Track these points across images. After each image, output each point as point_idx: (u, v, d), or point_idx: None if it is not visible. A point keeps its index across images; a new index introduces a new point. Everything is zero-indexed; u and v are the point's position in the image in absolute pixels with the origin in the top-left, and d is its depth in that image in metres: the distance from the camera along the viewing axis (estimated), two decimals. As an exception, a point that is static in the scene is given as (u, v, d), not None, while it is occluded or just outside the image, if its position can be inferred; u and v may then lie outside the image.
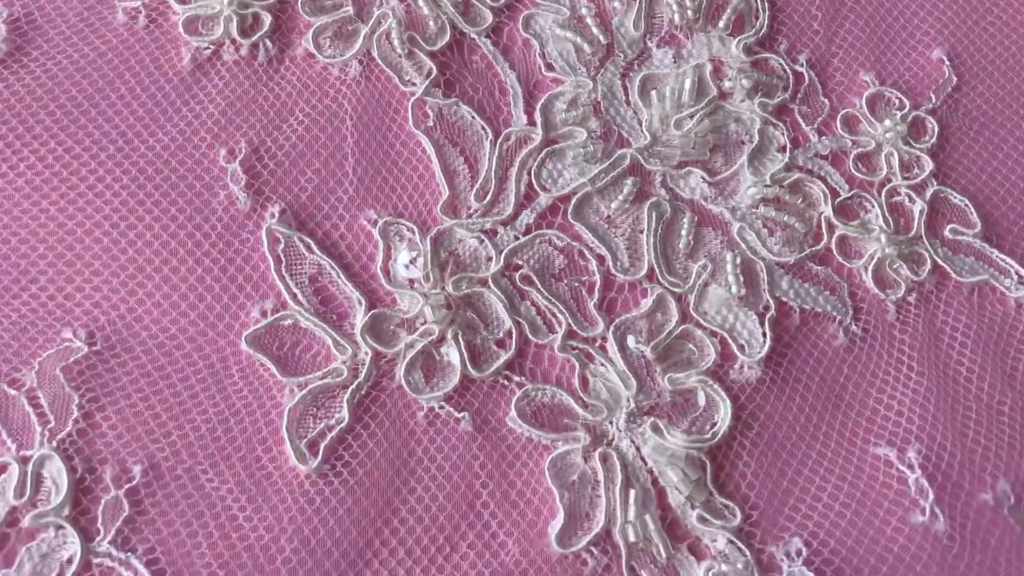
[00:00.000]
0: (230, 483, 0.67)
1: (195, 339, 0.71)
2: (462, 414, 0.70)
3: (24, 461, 0.65)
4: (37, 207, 0.74)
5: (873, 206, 0.81)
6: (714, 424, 0.71)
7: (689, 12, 0.86)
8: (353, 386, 0.69)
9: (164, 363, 0.70)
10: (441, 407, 0.70)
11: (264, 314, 0.72)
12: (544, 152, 0.80)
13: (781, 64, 0.86)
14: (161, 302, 0.72)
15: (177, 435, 0.68)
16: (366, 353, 0.70)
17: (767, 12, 0.88)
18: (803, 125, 0.84)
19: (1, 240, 0.73)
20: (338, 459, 0.68)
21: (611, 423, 0.71)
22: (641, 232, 0.77)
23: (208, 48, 0.82)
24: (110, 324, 0.71)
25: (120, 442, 0.68)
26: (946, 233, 0.82)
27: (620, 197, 0.78)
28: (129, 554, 0.64)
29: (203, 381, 0.70)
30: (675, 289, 0.76)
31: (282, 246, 0.74)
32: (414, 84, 0.82)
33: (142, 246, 0.73)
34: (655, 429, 0.70)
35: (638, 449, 0.70)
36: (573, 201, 0.78)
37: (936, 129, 0.85)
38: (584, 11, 0.86)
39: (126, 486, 0.66)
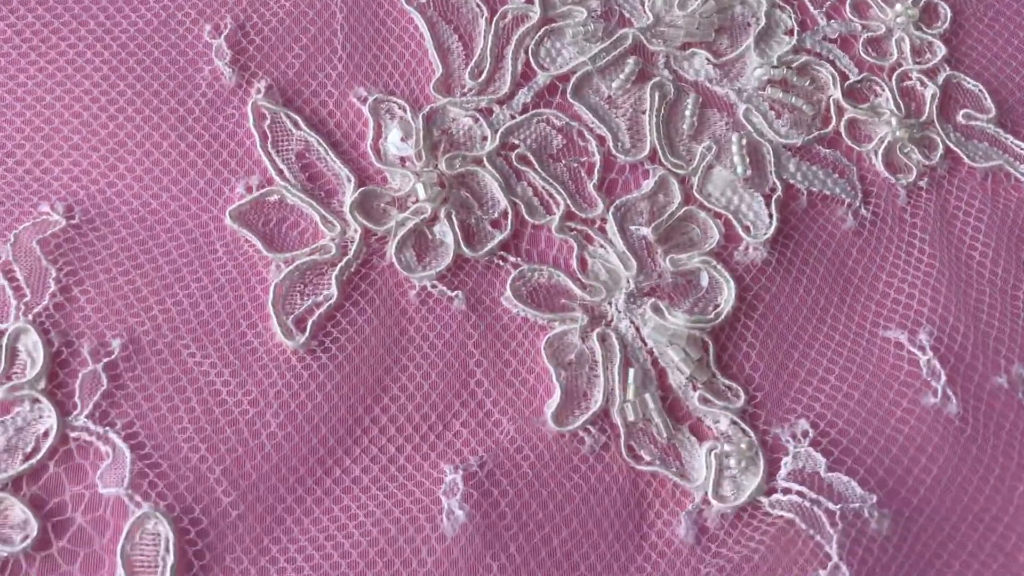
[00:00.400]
0: (213, 358, 0.64)
1: (177, 214, 0.68)
2: (455, 293, 0.67)
3: (-2, 334, 0.61)
4: (14, 80, 0.72)
5: (883, 90, 0.78)
6: (717, 305, 0.68)
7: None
8: (342, 263, 0.67)
9: (145, 238, 0.67)
10: (434, 286, 0.67)
11: (249, 190, 0.69)
12: (542, 30, 0.76)
13: (789, -51, 0.82)
14: (142, 177, 0.69)
15: (158, 310, 0.65)
16: (355, 230, 0.67)
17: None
18: (811, 8, 0.81)
19: (-26, 114, 0.69)
20: (326, 336, 0.66)
21: (610, 304, 0.68)
22: (643, 113, 0.74)
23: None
24: (89, 198, 0.68)
25: (98, 316, 0.65)
26: (959, 118, 0.79)
27: (622, 76, 0.75)
28: (107, 428, 0.61)
29: (185, 256, 0.67)
30: (678, 170, 0.73)
31: (268, 122, 0.71)
32: (406, -38, 0.77)
33: (123, 121, 0.71)
34: (655, 310, 0.67)
35: (637, 330, 0.67)
36: (572, 80, 0.75)
37: (949, 15, 0.82)
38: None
39: (104, 360, 0.63)
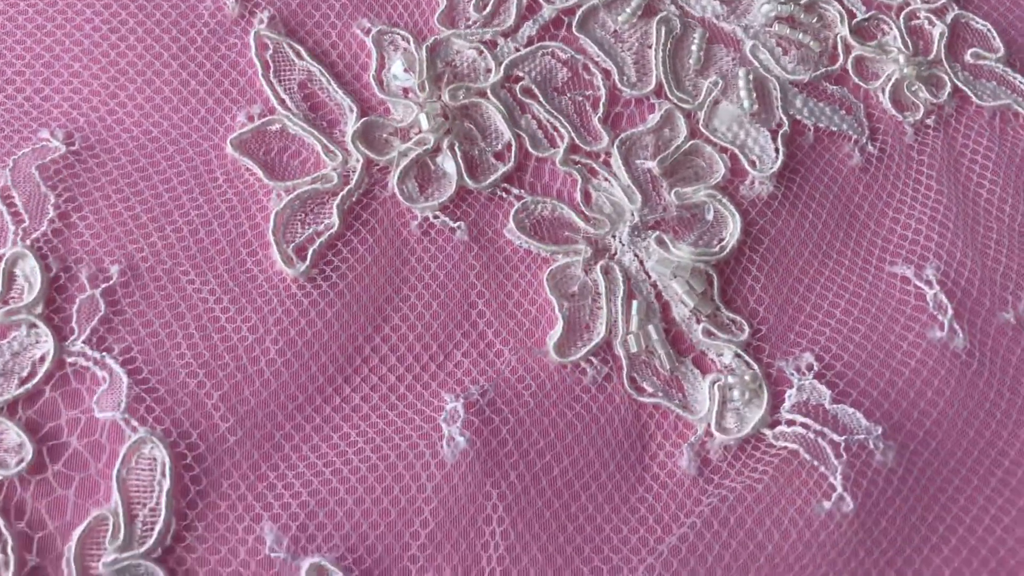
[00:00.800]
0: (212, 284, 0.63)
1: (178, 141, 0.67)
2: (458, 224, 0.66)
3: (-4, 257, 0.60)
4: (15, 8, 0.72)
5: (891, 28, 0.77)
6: (722, 239, 0.67)
7: None
8: (344, 192, 0.66)
9: (145, 164, 0.67)
10: (436, 216, 0.67)
11: (251, 119, 0.69)
12: (548, -36, 0.74)
13: None
14: (143, 104, 0.68)
15: (157, 236, 0.65)
16: (357, 160, 0.67)
17: None
18: (819, -53, 0.79)
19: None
20: (327, 264, 0.65)
21: (614, 237, 0.67)
22: (649, 47, 0.73)
23: None
24: (89, 125, 0.67)
25: (97, 242, 0.64)
26: (967, 57, 0.78)
27: (628, 10, 0.74)
28: (104, 354, 0.60)
29: (185, 184, 0.66)
30: (684, 105, 0.72)
31: (270, 51, 0.70)
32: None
33: (125, 49, 0.70)
34: (660, 242, 0.66)
35: (641, 263, 0.66)
36: (578, 14, 0.74)
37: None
38: None
39: (103, 285, 0.63)
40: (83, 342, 0.61)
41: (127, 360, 0.61)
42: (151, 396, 0.60)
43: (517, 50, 0.73)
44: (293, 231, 0.66)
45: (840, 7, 0.77)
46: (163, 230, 0.65)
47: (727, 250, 0.67)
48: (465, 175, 0.68)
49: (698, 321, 0.65)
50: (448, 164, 0.68)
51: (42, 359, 0.60)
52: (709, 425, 0.63)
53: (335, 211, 0.65)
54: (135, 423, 0.58)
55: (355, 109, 0.69)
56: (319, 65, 0.70)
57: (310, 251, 0.65)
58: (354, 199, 0.67)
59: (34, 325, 0.60)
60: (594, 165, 0.70)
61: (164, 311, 0.62)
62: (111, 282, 0.63)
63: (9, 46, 0.70)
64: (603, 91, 0.72)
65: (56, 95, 0.69)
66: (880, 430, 0.62)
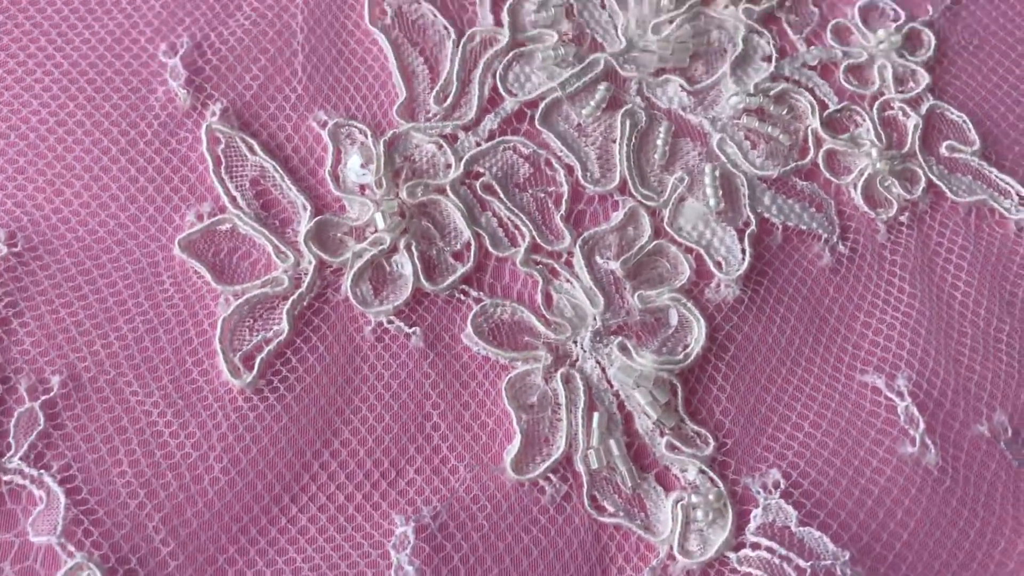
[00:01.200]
0: (156, 396, 0.61)
1: (124, 242, 0.65)
2: (413, 329, 0.64)
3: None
4: (-43, 98, 0.67)
5: (864, 120, 0.74)
6: (687, 345, 0.65)
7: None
8: (294, 296, 0.63)
9: (90, 267, 0.64)
10: (390, 322, 0.64)
11: (200, 218, 0.66)
12: (511, 54, 0.73)
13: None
14: (90, 202, 0.66)
15: (100, 344, 0.62)
16: (309, 261, 0.64)
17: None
18: (791, 34, 0.78)
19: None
20: (275, 374, 0.62)
21: (575, 342, 0.64)
22: (614, 141, 0.71)
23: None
24: (33, 224, 0.65)
25: (38, 350, 0.62)
26: (942, 150, 0.75)
27: (592, 103, 0.71)
28: (42, 472, 0.58)
29: (131, 287, 0.64)
30: (649, 203, 0.70)
31: (222, 146, 0.68)
32: (372, -20, 0.74)
33: (72, 143, 0.68)
34: (622, 349, 0.64)
35: (603, 370, 0.64)
36: (541, 107, 0.72)
37: (933, 42, 0.79)
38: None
39: (42, 398, 0.61)
40: (20, 459, 0.58)
41: (66, 478, 0.59)
42: (89, 518, 0.58)
43: (478, 144, 0.70)
44: (241, 338, 0.63)
45: (811, 98, 0.75)
46: (107, 337, 0.63)
47: (691, 358, 0.65)
48: (422, 277, 0.65)
49: (662, 434, 0.63)
50: (404, 265, 0.65)
51: (-25, 477, 0.56)
52: (671, 548, 0.60)
53: (285, 317, 0.63)
54: (71, 548, 0.56)
55: (309, 207, 0.67)
56: (272, 160, 0.68)
57: (258, 360, 0.63)
58: (305, 303, 0.65)
59: (-32, 440, 0.57)
60: (555, 266, 0.67)
61: (106, 425, 0.60)
62: (51, 394, 0.61)
63: (-49, 141, 0.66)
64: (566, 187, 0.70)
65: (-1, 192, 0.65)
66: (847, 555, 0.60)
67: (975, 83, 0.79)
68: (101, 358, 0.62)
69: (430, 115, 0.71)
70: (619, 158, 0.71)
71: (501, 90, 0.73)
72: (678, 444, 0.63)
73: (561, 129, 0.72)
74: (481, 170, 0.70)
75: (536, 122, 0.72)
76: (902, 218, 0.73)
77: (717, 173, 0.70)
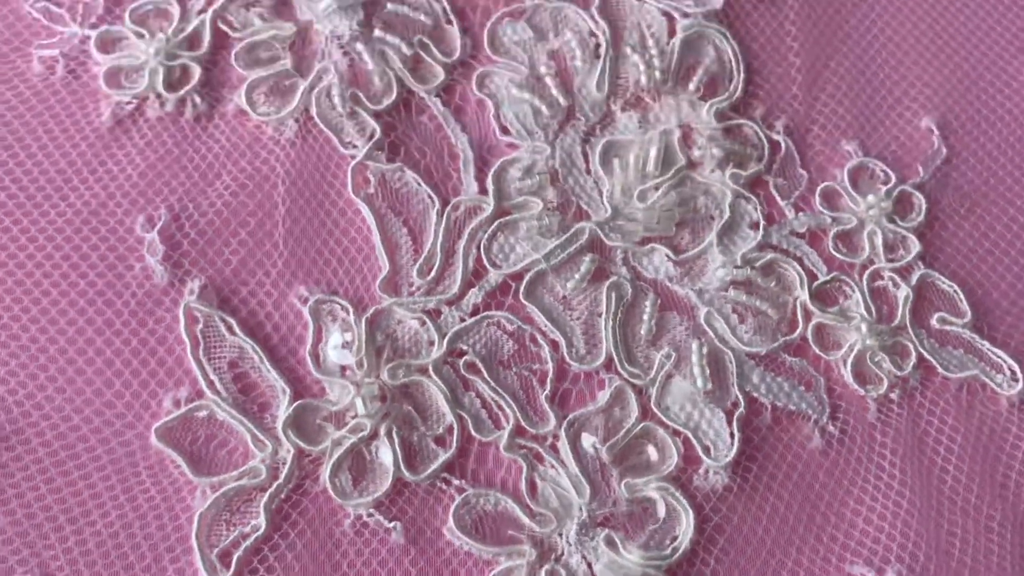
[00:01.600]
0: (130, 599, 0.58)
1: (100, 430, 0.64)
2: (393, 524, 0.63)
3: None
4: (-69, 277, 0.66)
5: (854, 291, 0.73)
6: (675, 537, 0.63)
7: (657, 73, 0.78)
8: (272, 489, 0.62)
9: (64, 457, 0.64)
10: (370, 515, 0.63)
11: (177, 404, 0.65)
12: (495, 224, 0.72)
13: (756, 131, 0.79)
14: (64, 387, 0.65)
15: (74, 540, 0.62)
16: (288, 450, 0.63)
17: (742, 74, 0.80)
18: (779, 199, 0.77)
19: None
20: (252, 572, 0.60)
21: (561, 535, 0.63)
22: (599, 316, 0.70)
23: (131, 103, 0.75)
24: (5, 411, 0.65)
25: (8, 548, 0.62)
26: (933, 322, 0.74)
27: (577, 276, 0.70)
28: None
29: (107, 479, 0.63)
30: (635, 381, 0.68)
31: (200, 326, 0.67)
32: (355, 147, 0.75)
33: (46, 324, 0.67)
34: (609, 543, 0.62)
35: (589, 566, 0.63)
36: (526, 279, 0.71)
37: (924, 206, 0.78)
38: (544, 70, 0.78)
39: (10, 598, 0.57)
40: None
41: None
42: None
43: (462, 320, 0.69)
44: (218, 533, 0.62)
45: (800, 268, 0.74)
46: (81, 533, 0.62)
47: (680, 552, 0.64)
48: (403, 465, 0.64)
49: (650, 633, 0.61)
50: (385, 454, 0.64)
51: None
52: None
53: (263, 511, 0.62)
54: None
55: (288, 391, 0.66)
56: (252, 341, 0.67)
57: (235, 557, 0.61)
58: (283, 496, 0.63)
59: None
60: (540, 450, 0.66)
61: (76, 632, 0.57)
62: (19, 593, 0.57)
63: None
64: (551, 365, 0.69)
65: (-31, 378, 0.63)
66: None
67: (966, 248, 0.78)
68: (74, 556, 0.62)
69: (413, 288, 0.70)
70: (605, 334, 0.70)
71: (485, 262, 0.71)
72: (666, 644, 0.61)
73: (546, 303, 0.70)
74: (465, 347, 0.68)
75: (521, 295, 0.71)
76: (892, 395, 0.72)
77: (705, 351, 0.69)
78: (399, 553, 0.63)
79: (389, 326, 0.69)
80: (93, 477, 0.64)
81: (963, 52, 0.85)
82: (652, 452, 0.68)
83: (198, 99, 0.76)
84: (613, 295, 0.71)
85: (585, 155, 0.78)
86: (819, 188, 0.79)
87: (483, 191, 0.75)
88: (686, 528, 0.65)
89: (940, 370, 0.73)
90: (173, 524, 0.63)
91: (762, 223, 0.76)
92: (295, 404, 0.66)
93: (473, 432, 0.67)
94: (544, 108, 0.78)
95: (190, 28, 0.78)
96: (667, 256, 0.74)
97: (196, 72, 0.76)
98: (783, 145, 0.80)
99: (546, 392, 0.69)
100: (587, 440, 0.67)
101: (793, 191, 0.78)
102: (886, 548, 0.67)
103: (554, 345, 0.70)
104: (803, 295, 0.73)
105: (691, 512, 0.65)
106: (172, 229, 0.71)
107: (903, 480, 0.69)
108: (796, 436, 0.70)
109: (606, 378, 0.70)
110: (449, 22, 0.82)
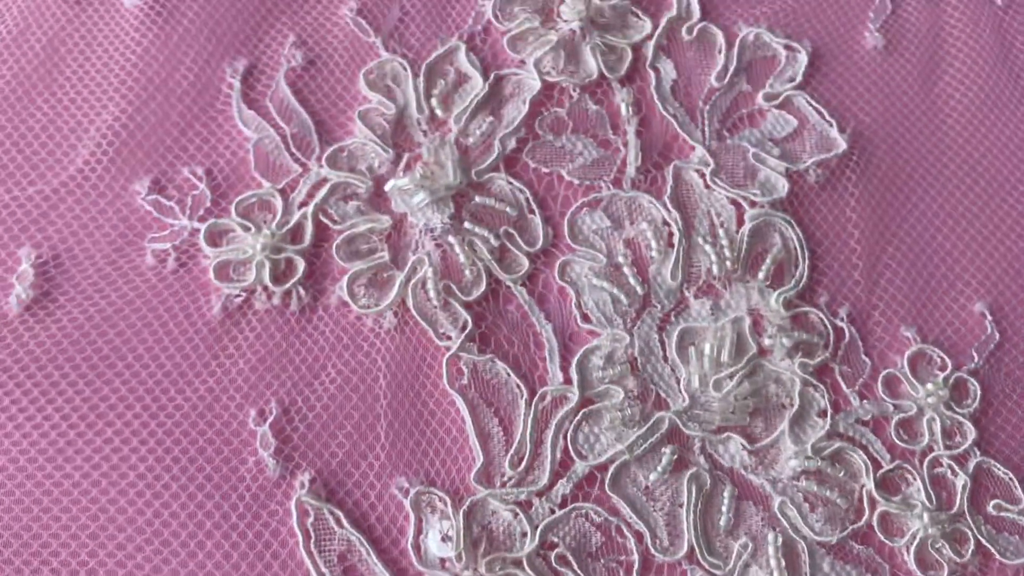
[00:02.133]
0: None
1: (220, 624, 0.68)
2: None
3: None
4: (61, 471, 0.73)
5: (915, 479, 0.78)
6: None
7: (728, 263, 0.83)
8: None
9: (189, 652, 0.67)
10: None
11: (289, 599, 0.69)
12: (580, 414, 0.77)
13: (821, 319, 0.84)
14: (185, 582, 0.69)
15: None
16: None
17: (807, 261, 0.86)
18: (844, 387, 0.82)
19: (22, 508, 0.72)
20: None
21: None
22: (680, 506, 0.75)
23: (239, 296, 0.80)
24: (129, 603, 0.67)
25: None
26: (990, 508, 0.79)
27: (659, 468, 0.76)
28: None
29: (227, 673, 0.66)
30: (715, 571, 0.74)
31: (311, 519, 0.72)
32: (449, 338, 0.80)
33: (168, 517, 0.72)
34: None
35: None
36: (611, 470, 0.76)
37: (978, 392, 0.83)
38: (621, 259, 0.84)
39: None
40: None
41: None
42: None
43: (552, 511, 0.74)
44: None
45: (865, 456, 0.79)
46: None
47: None
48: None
49: None
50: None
51: None
52: None
53: None
54: None
55: (394, 582, 0.70)
56: (358, 532, 0.72)
57: None
58: None
59: None
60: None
61: None
62: None
63: (55, 515, 0.74)
64: (636, 556, 0.74)
65: (100, 568, 0.69)
66: None
67: (1020, 435, 0.83)
68: None
69: (505, 478, 0.75)
70: (686, 525, 0.75)
71: (572, 452, 0.76)
72: None
73: (630, 494, 0.76)
74: (555, 539, 0.73)
75: (607, 487, 0.75)
76: (952, 582, 0.76)
77: (779, 542, 0.74)
78: None
79: (484, 518, 0.74)
80: (214, 670, 0.67)
81: (1013, 236, 0.90)
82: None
83: (303, 292, 0.81)
84: (693, 486, 0.76)
85: (662, 343, 0.83)
86: (881, 375, 0.83)
87: (567, 380, 0.80)
88: None
89: (997, 556, 0.78)
90: None
91: (829, 410, 0.81)
92: (401, 597, 0.70)
93: (566, 624, 0.71)
94: (622, 296, 0.83)
95: (293, 221, 0.83)
96: (742, 445, 0.79)
97: (300, 265, 0.82)
98: (847, 332, 0.85)
99: (631, 584, 0.73)
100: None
101: (857, 378, 0.83)
102: None
103: (638, 536, 0.75)
104: (869, 483, 0.79)
105: None
106: (282, 423, 0.76)
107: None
108: (867, 628, 0.75)
109: (687, 568, 0.75)
110: (532, 212, 0.86)
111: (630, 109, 0.91)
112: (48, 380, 0.76)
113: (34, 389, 0.75)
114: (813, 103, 0.94)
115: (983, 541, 0.78)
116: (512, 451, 0.76)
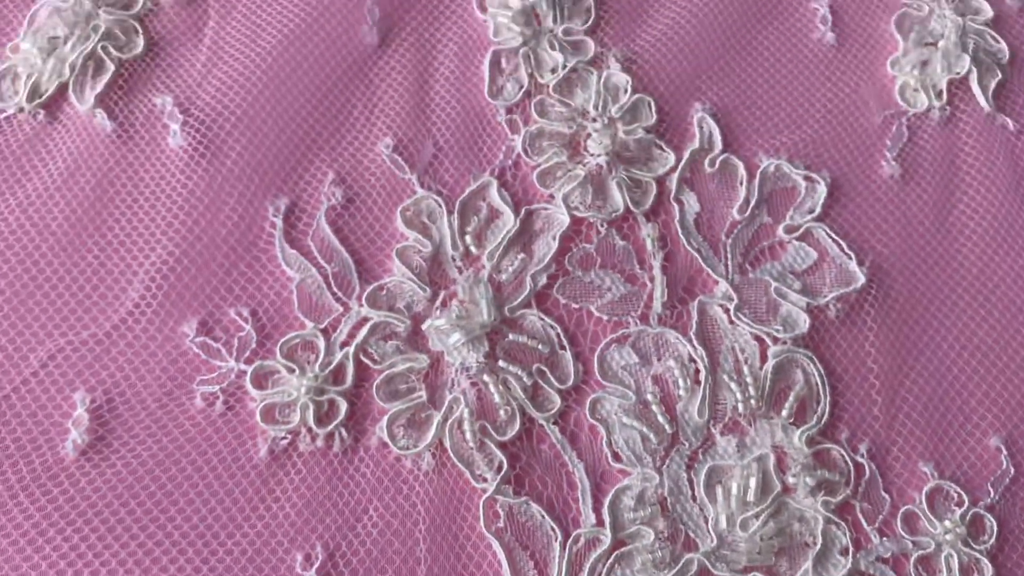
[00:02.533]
0: None
1: None
2: None
3: None
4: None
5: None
6: None
7: (752, 400, 0.86)
8: None
9: None
10: None
11: None
12: (613, 557, 0.81)
13: (843, 455, 0.87)
14: None
15: None
16: None
17: (828, 397, 0.89)
18: (864, 524, 0.86)
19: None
20: None
21: None
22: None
23: (285, 438, 0.83)
24: None
25: None
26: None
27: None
28: None
29: None
30: None
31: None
32: (485, 480, 0.83)
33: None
34: None
35: None
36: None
37: (995, 528, 0.86)
38: (649, 396, 0.87)
39: None
40: None
41: None
42: None
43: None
44: None
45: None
46: None
47: None
48: None
49: None
50: None
51: None
52: None
53: None
54: None
55: None
56: None
57: None
58: None
59: None
60: None
61: None
62: None
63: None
64: None
65: None
66: None
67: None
68: None
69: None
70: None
71: (608, 591, 0.79)
72: None
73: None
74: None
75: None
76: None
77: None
78: None
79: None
80: None
81: (1027, 368, 0.93)
82: None
83: (345, 433, 0.85)
84: (727, 618, 0.80)
85: (690, 481, 0.86)
86: (900, 512, 0.87)
87: (600, 520, 0.83)
88: None
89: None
90: None
91: (851, 548, 0.85)
92: None
93: None
94: (651, 435, 0.87)
95: (335, 362, 0.86)
96: (769, 584, 0.82)
97: (343, 407, 0.85)
98: (867, 469, 0.89)
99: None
100: None
101: (877, 515, 0.87)
102: None
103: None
104: (892, 624, 0.82)
105: None
106: (328, 567, 0.80)
107: None
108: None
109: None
110: (563, 348, 0.90)
111: (656, 244, 0.94)
112: (105, 526, 0.79)
113: (92, 535, 0.78)
114: (832, 235, 0.96)
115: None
116: (551, 600, 0.79)
